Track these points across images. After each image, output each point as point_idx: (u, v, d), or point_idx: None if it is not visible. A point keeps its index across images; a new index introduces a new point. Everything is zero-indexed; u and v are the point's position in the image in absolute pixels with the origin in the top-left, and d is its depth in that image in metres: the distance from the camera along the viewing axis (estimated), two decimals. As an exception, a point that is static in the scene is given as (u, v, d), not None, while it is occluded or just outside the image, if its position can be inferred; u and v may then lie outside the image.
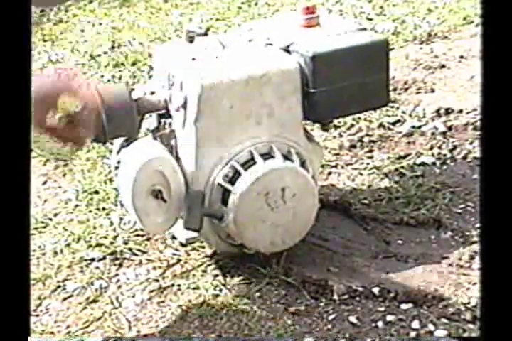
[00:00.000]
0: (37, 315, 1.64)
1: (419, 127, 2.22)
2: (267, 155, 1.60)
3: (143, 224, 1.59)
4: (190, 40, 1.63)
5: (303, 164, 1.64)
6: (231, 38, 1.72)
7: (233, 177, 1.59)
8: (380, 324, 1.55)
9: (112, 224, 1.88)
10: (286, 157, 1.62)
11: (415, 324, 1.54)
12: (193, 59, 1.58)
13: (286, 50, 1.63)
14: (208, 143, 1.55)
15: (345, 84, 1.63)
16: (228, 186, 1.58)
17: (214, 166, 1.59)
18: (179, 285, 1.68)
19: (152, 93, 1.62)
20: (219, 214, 1.59)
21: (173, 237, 1.79)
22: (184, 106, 1.55)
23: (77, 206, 1.98)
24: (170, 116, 1.62)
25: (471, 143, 2.13)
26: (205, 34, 1.64)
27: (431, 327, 1.53)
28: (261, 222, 1.60)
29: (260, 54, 1.63)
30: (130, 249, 1.80)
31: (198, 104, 1.54)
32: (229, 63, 1.59)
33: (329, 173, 2.05)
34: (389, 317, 1.56)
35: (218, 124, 1.57)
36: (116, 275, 1.74)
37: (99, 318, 1.62)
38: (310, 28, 1.69)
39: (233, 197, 1.57)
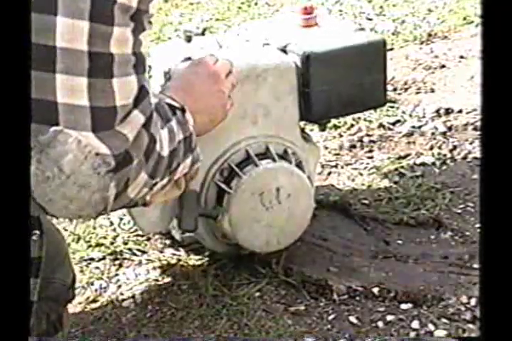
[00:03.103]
0: (37, 315, 1.64)
1: (419, 127, 2.22)
2: (263, 155, 1.60)
3: (137, 223, 1.59)
4: (188, 39, 1.64)
5: (299, 164, 1.64)
6: (229, 37, 1.72)
7: (228, 177, 1.59)
8: (380, 324, 1.55)
9: (112, 224, 1.88)
10: (282, 157, 1.62)
11: (415, 324, 1.54)
12: (189, 58, 1.58)
13: (283, 50, 1.63)
14: (203, 143, 1.55)
15: (341, 84, 1.63)
16: (223, 186, 1.58)
17: (209, 166, 1.58)
18: (179, 285, 1.68)
19: (149, 92, 1.62)
20: (214, 214, 1.59)
21: (172, 237, 1.79)
22: (179, 105, 1.55)
23: (77, 206, 1.98)
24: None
25: (471, 143, 2.13)
26: (203, 34, 1.65)
27: (431, 327, 1.53)
28: (256, 222, 1.60)
29: (256, 54, 1.63)
30: (130, 249, 1.80)
31: (194, 104, 1.54)
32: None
33: (329, 173, 2.05)
34: (389, 317, 1.56)
35: (214, 124, 1.56)
36: (116, 275, 1.74)
37: (99, 318, 1.62)
38: (308, 28, 1.69)
39: (228, 197, 1.57)
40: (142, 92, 1.11)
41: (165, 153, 1.16)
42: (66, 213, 1.09)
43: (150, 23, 1.12)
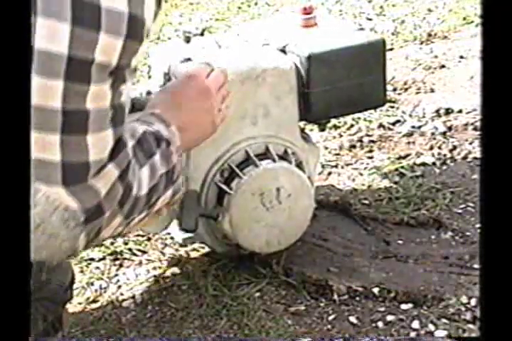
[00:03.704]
0: (37, 316, 1.63)
1: (419, 127, 2.22)
2: (263, 156, 1.61)
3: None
4: (187, 40, 1.64)
5: (299, 164, 1.64)
6: (228, 38, 1.72)
7: (229, 178, 1.59)
8: (380, 324, 1.55)
9: (111, 224, 1.88)
10: (283, 157, 1.62)
11: (415, 324, 1.54)
12: (189, 59, 1.58)
13: (283, 50, 1.63)
14: (203, 144, 1.55)
15: (341, 84, 1.63)
16: (223, 186, 1.58)
17: (210, 166, 1.59)
18: (179, 285, 1.68)
19: (148, 93, 1.62)
20: (214, 215, 1.59)
21: (172, 237, 1.79)
22: (179, 105, 1.55)
23: (77, 206, 1.98)
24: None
25: (471, 143, 2.13)
26: (202, 34, 1.65)
27: (431, 327, 1.53)
28: (256, 222, 1.60)
29: (256, 54, 1.63)
30: (130, 249, 1.80)
31: (194, 104, 1.54)
32: (224, 63, 1.59)
33: (329, 173, 2.05)
34: (389, 317, 1.56)
35: (213, 124, 1.56)
36: (116, 275, 1.74)
37: (99, 318, 1.62)
38: (307, 28, 1.69)
39: (228, 198, 1.57)
40: (119, 144, 1.09)
41: (143, 191, 1.15)
42: (38, 257, 1.09)
43: (135, 70, 1.10)
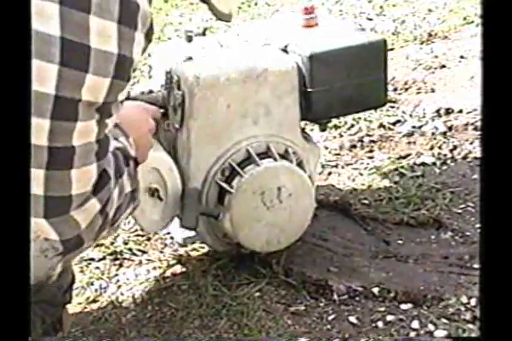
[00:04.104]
0: (37, 315, 1.63)
1: (420, 127, 2.22)
2: (264, 155, 1.61)
3: (138, 222, 1.60)
4: (189, 39, 1.64)
5: (300, 164, 1.64)
6: (229, 37, 1.72)
7: (230, 177, 1.59)
8: (380, 324, 1.55)
9: (112, 224, 1.88)
10: (283, 156, 1.62)
11: (415, 324, 1.54)
12: (190, 58, 1.58)
13: (284, 49, 1.63)
14: (204, 142, 1.55)
15: (342, 84, 1.63)
16: (224, 185, 1.58)
17: (211, 165, 1.59)
18: (179, 285, 1.68)
19: (150, 92, 1.62)
20: (215, 213, 1.59)
21: (172, 237, 1.79)
22: (181, 105, 1.55)
23: (77, 206, 1.98)
24: (168, 115, 1.62)
25: (471, 143, 2.13)
26: (203, 34, 1.65)
27: (431, 327, 1.53)
28: (257, 221, 1.60)
29: (258, 53, 1.63)
30: (130, 249, 1.80)
31: (195, 103, 1.54)
32: (226, 62, 1.59)
33: (329, 173, 2.05)
34: (389, 317, 1.56)
35: (215, 123, 1.57)
36: (116, 275, 1.74)
37: (99, 318, 1.62)
38: (308, 28, 1.69)
39: (229, 196, 1.57)
40: (103, 178, 1.11)
41: (111, 214, 1.16)
42: None
43: (121, 102, 1.11)
